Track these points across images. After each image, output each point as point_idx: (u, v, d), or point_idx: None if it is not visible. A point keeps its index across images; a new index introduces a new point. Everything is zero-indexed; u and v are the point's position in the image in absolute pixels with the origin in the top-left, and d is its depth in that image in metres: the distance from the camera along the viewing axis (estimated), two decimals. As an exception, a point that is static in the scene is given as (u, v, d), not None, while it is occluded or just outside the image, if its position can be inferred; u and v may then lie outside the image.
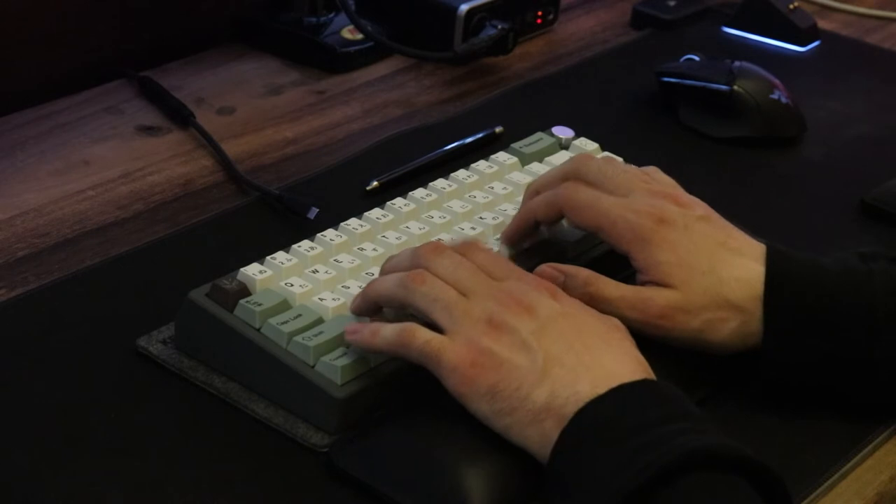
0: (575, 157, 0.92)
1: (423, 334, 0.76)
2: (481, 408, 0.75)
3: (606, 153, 1.01)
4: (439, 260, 0.79)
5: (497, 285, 0.78)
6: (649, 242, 0.83)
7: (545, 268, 0.84)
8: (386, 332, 0.77)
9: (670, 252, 0.83)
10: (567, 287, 0.82)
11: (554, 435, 0.72)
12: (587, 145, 1.03)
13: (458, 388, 0.75)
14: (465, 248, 0.81)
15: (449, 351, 0.75)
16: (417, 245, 0.82)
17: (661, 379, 0.76)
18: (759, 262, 0.83)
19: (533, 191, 0.90)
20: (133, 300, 0.90)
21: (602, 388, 0.73)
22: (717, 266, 0.83)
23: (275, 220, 0.99)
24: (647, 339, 0.81)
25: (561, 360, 0.74)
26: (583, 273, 0.84)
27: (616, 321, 0.79)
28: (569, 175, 0.88)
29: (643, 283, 0.84)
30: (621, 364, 0.75)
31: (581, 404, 0.72)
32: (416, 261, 0.80)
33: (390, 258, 0.83)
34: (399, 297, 0.78)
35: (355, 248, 0.88)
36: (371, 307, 0.81)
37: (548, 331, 0.75)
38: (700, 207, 0.86)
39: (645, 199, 0.85)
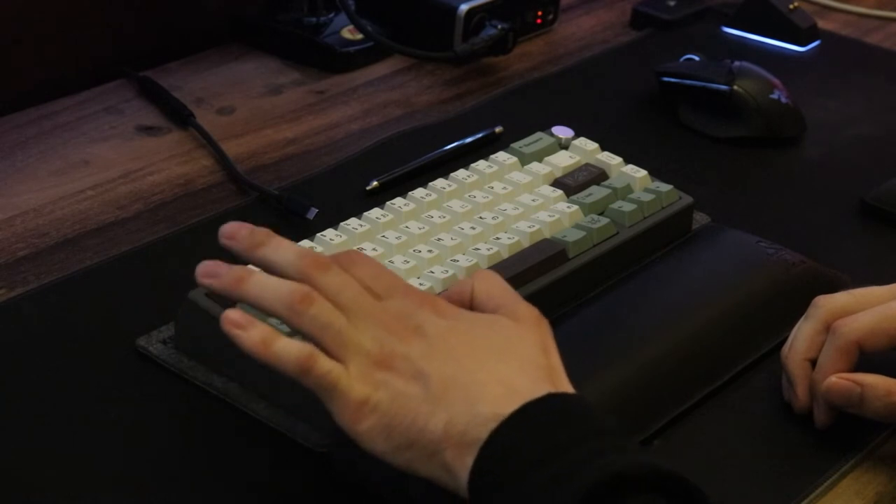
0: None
1: (324, 364, 0.70)
2: (378, 446, 0.70)
3: (606, 152, 1.01)
4: (325, 278, 0.72)
5: (381, 307, 0.72)
6: None
7: (836, 379, 0.81)
8: (283, 351, 0.71)
9: None
10: (866, 398, 0.80)
11: (457, 465, 0.68)
12: (587, 145, 1.03)
13: (351, 425, 0.70)
14: (347, 262, 0.74)
15: (344, 385, 0.70)
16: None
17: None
18: None
19: None
20: (133, 300, 0.90)
21: (504, 408, 0.68)
22: None
23: (275, 220, 0.99)
24: None
25: (456, 381, 0.69)
26: (882, 381, 0.81)
27: (506, 319, 0.74)
28: None
29: None
30: (522, 374, 0.70)
31: (482, 429, 0.68)
32: (300, 273, 0.73)
33: (272, 241, 0.75)
34: (285, 317, 0.72)
35: (355, 248, 0.88)
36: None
37: (438, 351, 0.71)
38: None
39: None
